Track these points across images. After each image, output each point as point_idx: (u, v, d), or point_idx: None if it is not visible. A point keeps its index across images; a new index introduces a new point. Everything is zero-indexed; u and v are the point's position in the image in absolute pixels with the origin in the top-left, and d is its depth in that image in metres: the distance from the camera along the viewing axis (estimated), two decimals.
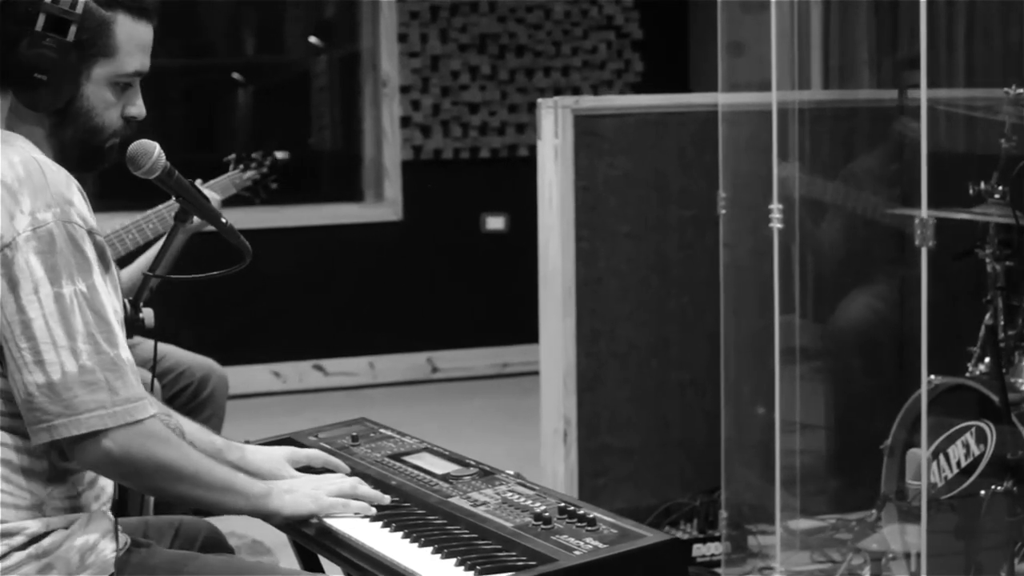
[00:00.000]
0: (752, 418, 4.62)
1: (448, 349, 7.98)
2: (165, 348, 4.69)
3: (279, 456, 2.81)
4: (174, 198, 2.79)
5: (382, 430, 3.15)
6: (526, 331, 7.86)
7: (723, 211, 4.53)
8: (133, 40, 2.56)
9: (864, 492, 4.70)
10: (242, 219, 6.24)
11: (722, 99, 4.46)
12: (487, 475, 2.71)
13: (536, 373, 7.93)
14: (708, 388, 4.97)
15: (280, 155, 4.92)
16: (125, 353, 2.40)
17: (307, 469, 2.81)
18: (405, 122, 7.83)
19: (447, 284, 7.98)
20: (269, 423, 6.96)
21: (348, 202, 7.89)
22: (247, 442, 2.98)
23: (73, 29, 2.48)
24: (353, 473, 2.80)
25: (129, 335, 2.98)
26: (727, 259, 4.53)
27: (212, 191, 4.62)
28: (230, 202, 7.28)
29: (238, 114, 8.33)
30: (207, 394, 4.64)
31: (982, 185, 4.19)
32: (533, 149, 7.76)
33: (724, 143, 4.48)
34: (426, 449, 2.94)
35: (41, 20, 2.46)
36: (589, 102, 4.89)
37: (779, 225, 4.13)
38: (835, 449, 4.99)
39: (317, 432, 3.14)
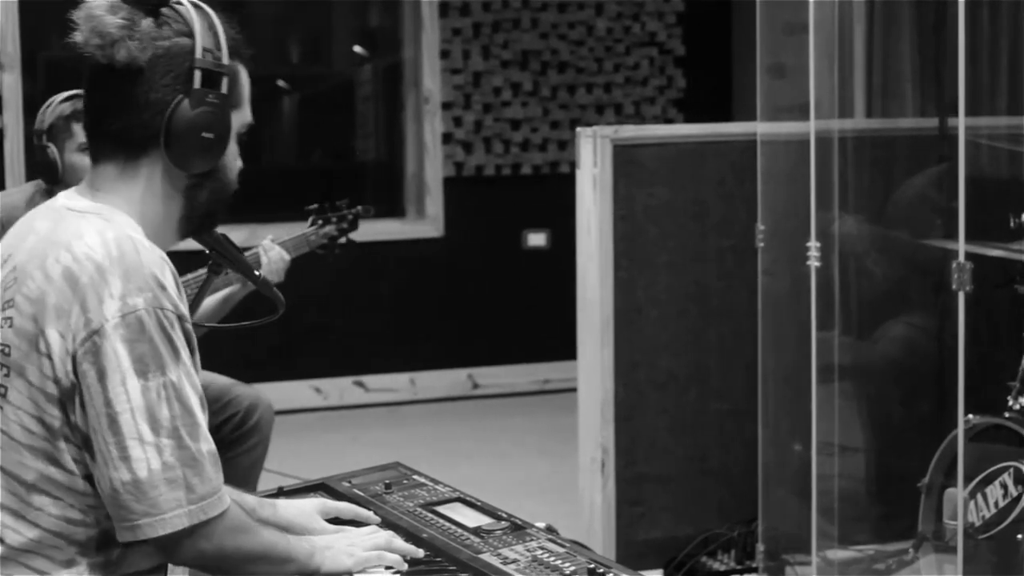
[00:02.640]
0: (790, 447, 4.58)
1: (489, 366, 7.94)
2: (210, 377, 4.64)
3: (310, 509, 2.79)
4: (207, 251, 2.77)
5: (415, 476, 3.13)
6: (567, 348, 7.79)
7: (761, 244, 4.49)
8: (246, 88, 2.49)
9: (901, 523, 4.66)
10: (281, 235, 6.22)
11: (761, 128, 4.43)
12: (518, 530, 2.69)
13: (577, 390, 8.08)
14: (746, 418, 4.93)
15: (363, 209, 4.74)
16: (207, 446, 2.34)
17: (337, 520, 2.80)
18: (447, 138, 7.79)
19: (488, 301, 7.94)
20: (310, 440, 7.06)
21: (390, 218, 7.85)
22: (280, 490, 2.98)
23: (225, 82, 2.38)
24: (385, 524, 2.79)
25: None
26: (765, 291, 4.50)
27: (284, 249, 4.52)
28: (264, 217, 7.39)
29: (282, 123, 8.31)
30: (253, 423, 4.60)
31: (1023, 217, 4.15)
32: (575, 166, 7.87)
33: (763, 174, 4.44)
34: (459, 499, 2.92)
35: (198, 77, 2.36)
36: (628, 132, 4.85)
37: (816, 264, 4.09)
38: (872, 477, 4.95)
39: (351, 478, 3.13)
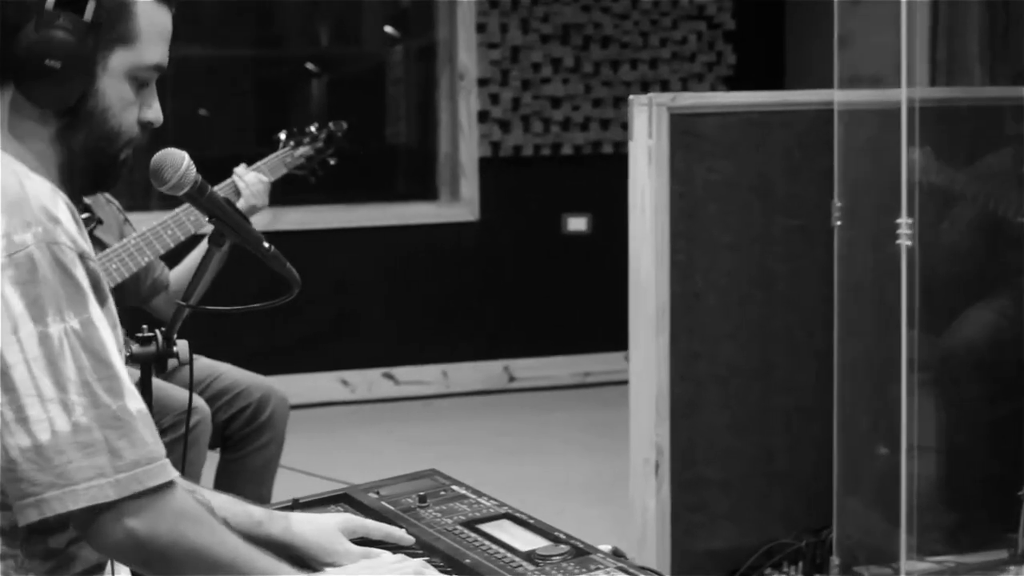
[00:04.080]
0: (869, 449, 4.15)
1: (526, 357, 7.64)
2: (219, 367, 4.30)
3: (332, 527, 2.34)
4: (208, 219, 2.34)
5: (455, 487, 2.70)
6: (609, 339, 7.60)
7: (838, 222, 4.06)
8: (155, 27, 2.11)
9: (988, 531, 4.26)
10: (306, 219, 5.83)
11: (839, 96, 3.98)
12: (581, 555, 2.25)
13: (620, 383, 7.66)
14: (816, 415, 4.53)
15: (335, 126, 4.58)
16: (133, 403, 1.94)
17: (363, 540, 2.36)
18: (483, 117, 7.47)
19: (526, 288, 7.64)
20: (335, 436, 6.72)
21: (422, 201, 7.51)
22: (295, 502, 2.54)
23: (91, 7, 2.03)
24: (419, 545, 2.35)
25: (161, 372, 2.58)
26: (842, 275, 4.06)
27: (259, 172, 4.30)
28: (289, 199, 7.13)
29: (311, 106, 8.01)
30: (265, 418, 4.23)
31: None
32: (618, 146, 7.65)
33: (840, 146, 4.00)
34: (507, 515, 2.48)
35: None
36: (687, 99, 4.42)
37: (908, 243, 3.64)
38: (955, 481, 4.53)
39: (378, 487, 2.69)
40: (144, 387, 2.53)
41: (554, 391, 7.60)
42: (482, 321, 7.58)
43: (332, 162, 4.56)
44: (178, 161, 2.31)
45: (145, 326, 2.58)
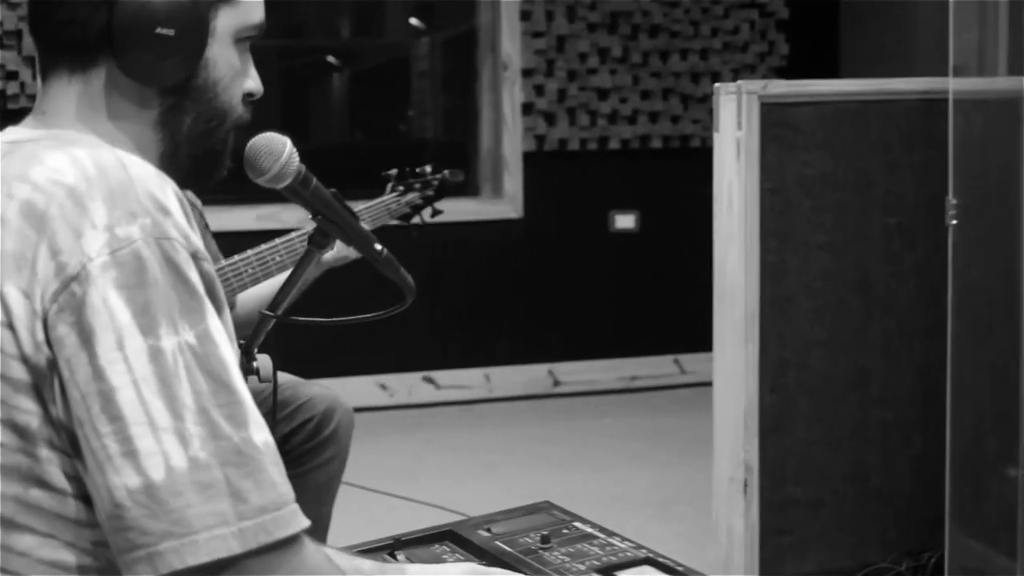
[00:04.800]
0: (987, 470, 3.80)
1: (571, 361, 7.38)
2: (282, 377, 3.91)
3: None
4: (311, 216, 2.00)
5: (577, 524, 2.35)
6: (658, 341, 7.43)
7: (954, 221, 3.72)
8: None
9: None
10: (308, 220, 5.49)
11: (955, 85, 3.64)
12: None
13: (669, 388, 7.47)
14: (915, 430, 4.23)
15: (452, 174, 4.08)
16: (259, 435, 1.59)
17: None
18: (527, 109, 7.18)
19: (571, 288, 7.37)
20: (376, 442, 6.42)
21: (463, 197, 7.19)
22: (396, 543, 2.21)
23: None
24: None
25: None
26: (959, 279, 3.72)
27: (363, 220, 3.83)
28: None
29: (333, 100, 7.88)
30: (330, 431, 3.88)
31: None
32: (667, 140, 7.40)
33: (956, 137, 3.66)
34: (648, 560, 2.14)
35: None
36: (779, 87, 4.07)
37: None
38: None
39: (490, 524, 2.35)
40: None
41: (600, 396, 7.35)
42: (525, 323, 7.33)
43: (434, 215, 4.06)
44: (279, 148, 1.98)
45: None
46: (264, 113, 6.65)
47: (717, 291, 4.15)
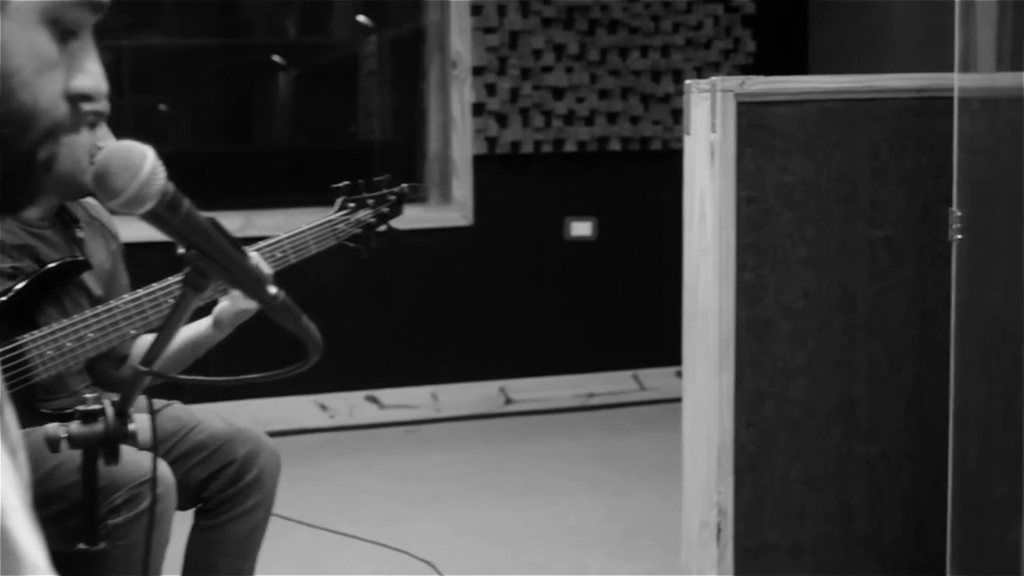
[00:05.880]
0: (996, 516, 3.41)
1: (524, 377, 7.04)
2: (195, 415, 3.50)
3: None
4: (181, 251, 1.55)
5: None
6: (616, 356, 7.11)
7: (959, 236, 3.31)
8: None
9: None
10: (281, 223, 5.07)
11: (961, 81, 3.22)
12: None
13: (627, 406, 7.10)
14: (906, 465, 3.85)
15: (410, 189, 3.64)
16: None
17: None
18: (478, 110, 6.86)
19: (524, 300, 7.05)
20: (314, 467, 6.00)
21: (409, 203, 6.79)
22: None
23: None
24: None
25: (111, 460, 1.80)
26: (963, 299, 3.32)
27: (296, 245, 3.39)
28: (261, 202, 6.55)
29: (277, 101, 7.61)
30: (252, 477, 3.44)
31: None
32: (626, 142, 6.99)
33: (961, 142, 3.25)
34: None
35: None
36: (758, 84, 3.65)
37: None
38: None
39: None
40: (87, 477, 1.76)
41: (555, 414, 6.99)
42: (475, 337, 7.00)
43: (385, 229, 3.65)
44: (136, 161, 1.52)
45: (89, 395, 1.81)
46: (205, 115, 6.27)
47: (687, 313, 3.74)
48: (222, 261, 1.61)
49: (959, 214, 3.34)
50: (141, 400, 1.95)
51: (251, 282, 1.64)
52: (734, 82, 3.61)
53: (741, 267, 3.66)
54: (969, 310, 3.50)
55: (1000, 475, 3.56)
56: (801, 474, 3.81)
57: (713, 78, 3.62)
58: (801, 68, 7.11)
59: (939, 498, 3.70)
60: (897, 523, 3.86)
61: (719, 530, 3.71)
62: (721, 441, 3.70)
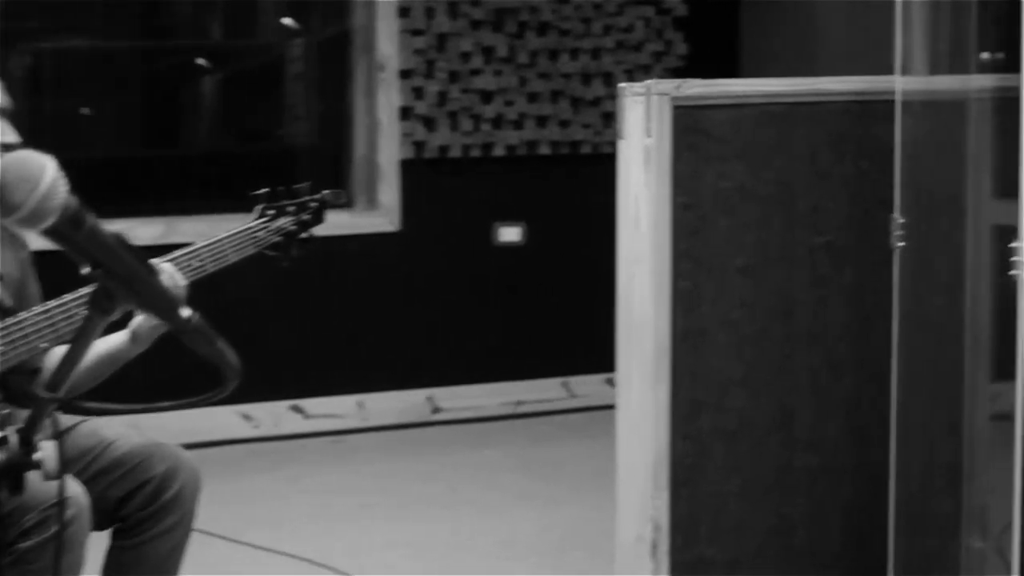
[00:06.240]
0: (935, 524, 3.35)
1: (452, 385, 6.94)
2: (111, 430, 3.37)
3: None
4: (86, 270, 1.43)
5: None
6: (545, 363, 7.02)
7: (901, 243, 3.24)
8: None
9: None
10: (203, 229, 4.94)
11: (903, 84, 3.15)
12: None
13: (555, 413, 7.02)
14: (846, 477, 3.78)
15: (332, 196, 3.57)
16: None
17: None
18: (405, 113, 6.75)
19: (451, 307, 6.97)
20: (237, 480, 5.90)
21: (330, 210, 6.71)
22: None
23: None
24: None
25: (15, 491, 1.68)
26: (903, 306, 3.25)
27: (216, 253, 3.29)
28: (184, 207, 6.44)
29: (202, 105, 7.45)
30: (171, 495, 3.33)
31: None
32: (556, 146, 6.89)
33: (902, 146, 3.18)
34: None
35: None
36: (695, 88, 3.57)
37: None
38: None
39: None
40: None
41: (483, 423, 6.88)
42: (402, 345, 6.91)
43: (307, 236, 3.58)
44: (35, 173, 1.39)
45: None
46: (127, 119, 6.16)
47: (622, 322, 3.66)
48: (129, 281, 1.49)
49: (901, 221, 3.26)
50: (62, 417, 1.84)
51: (161, 304, 1.52)
52: (670, 85, 3.53)
53: (677, 275, 3.58)
54: (910, 318, 3.43)
55: (942, 486, 3.51)
56: (739, 487, 3.74)
57: (648, 81, 3.54)
58: (733, 71, 7.07)
59: (880, 509, 3.65)
60: (837, 535, 3.80)
61: (654, 545, 3.62)
62: (657, 454, 3.62)
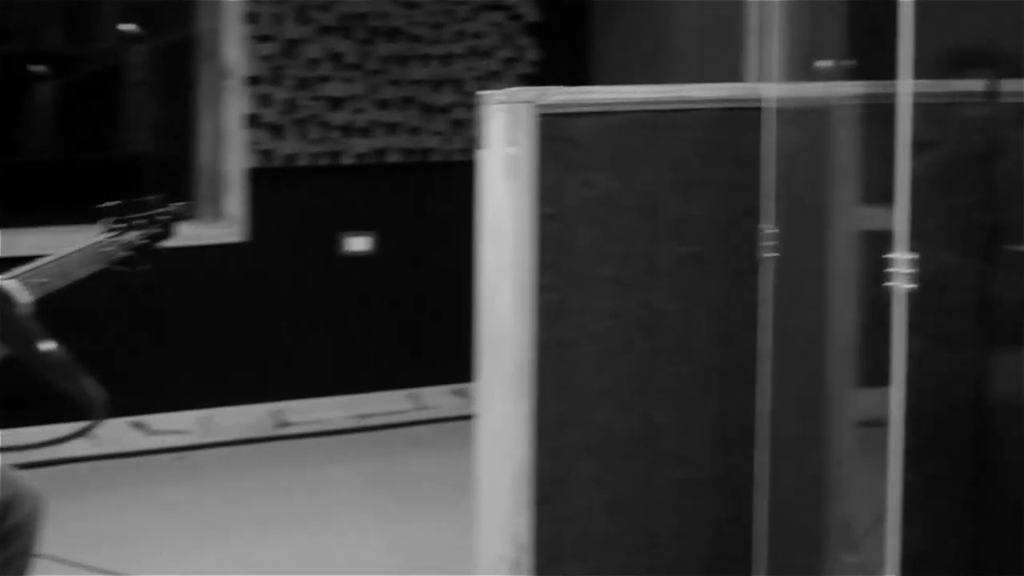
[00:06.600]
0: (804, 538, 3.30)
1: (299, 399, 6.80)
2: None
3: None
4: None
5: None
6: (392, 375, 6.90)
7: (770, 254, 3.19)
8: None
9: None
10: (45, 242, 4.78)
11: (774, 91, 3.09)
12: None
13: (406, 425, 6.91)
14: (714, 490, 3.72)
15: (184, 207, 3.44)
16: None
17: None
18: (252, 121, 6.61)
19: (299, 319, 6.83)
20: (77, 500, 5.74)
21: (179, 223, 6.54)
22: None
23: None
24: None
25: None
26: (769, 317, 3.20)
27: (72, 265, 3.11)
28: (24, 219, 6.23)
29: (41, 113, 7.25)
30: (12, 524, 3.20)
31: None
32: (408, 154, 6.77)
33: (770, 154, 3.13)
34: None
35: None
36: (559, 96, 3.48)
37: (910, 285, 2.75)
38: None
39: None
40: None
41: (331, 436, 6.76)
42: (248, 358, 6.76)
43: (155, 250, 3.46)
44: None
45: None
46: None
47: (484, 335, 3.57)
48: None
49: (769, 231, 3.21)
50: None
51: (18, 336, 1.39)
52: (534, 93, 3.44)
53: (542, 287, 3.49)
54: (777, 329, 3.38)
55: (810, 497, 3.46)
56: (604, 502, 3.67)
57: (513, 89, 3.46)
58: (584, 77, 7.02)
59: (747, 523, 3.60)
60: (704, 550, 3.74)
61: (517, 564, 3.53)
62: (519, 471, 3.53)
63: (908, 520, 2.96)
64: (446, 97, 6.84)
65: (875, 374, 3.13)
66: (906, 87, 2.73)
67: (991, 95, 3.44)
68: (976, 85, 3.50)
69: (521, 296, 3.46)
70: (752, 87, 3.39)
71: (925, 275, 2.73)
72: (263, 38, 6.57)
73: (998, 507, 3.54)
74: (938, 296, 3.01)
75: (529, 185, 3.44)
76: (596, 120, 3.51)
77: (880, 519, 3.09)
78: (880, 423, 3.03)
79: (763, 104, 3.25)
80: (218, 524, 5.44)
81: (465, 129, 6.71)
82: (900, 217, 2.73)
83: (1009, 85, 3.43)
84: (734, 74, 5.21)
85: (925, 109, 2.80)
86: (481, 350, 3.58)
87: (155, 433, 6.48)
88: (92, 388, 1.57)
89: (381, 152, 6.81)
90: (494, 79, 6.89)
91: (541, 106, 3.44)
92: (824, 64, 3.37)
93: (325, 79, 6.69)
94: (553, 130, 3.45)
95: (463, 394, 6.64)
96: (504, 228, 3.46)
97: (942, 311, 3.40)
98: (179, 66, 6.84)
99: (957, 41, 3.73)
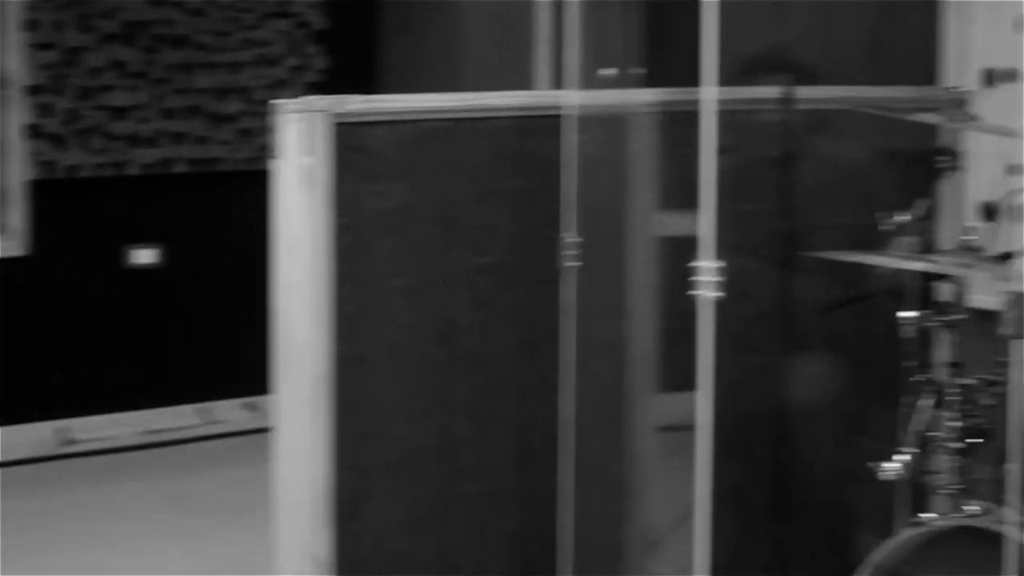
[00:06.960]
0: (609, 551, 3.31)
1: (86, 415, 6.67)
2: None
3: None
4: None
5: None
6: (181, 389, 6.79)
7: (570, 263, 3.18)
8: None
9: None
10: None
11: (570, 99, 3.07)
12: None
13: (196, 440, 6.79)
14: (511, 503, 3.72)
15: None
16: None
17: None
18: (33, 132, 6.46)
19: (84, 333, 6.72)
20: None
21: None
22: None
23: None
24: None
25: None
26: (570, 326, 3.19)
27: None
28: None
29: None
30: None
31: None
32: (195, 164, 6.66)
33: (568, 162, 3.12)
34: None
35: None
36: (356, 104, 3.44)
37: (717, 292, 2.75)
38: None
39: None
40: None
41: (120, 454, 6.64)
42: (32, 375, 6.61)
43: None
44: None
45: None
46: None
47: (280, 349, 3.52)
48: None
49: (571, 239, 3.19)
50: None
51: None
52: (329, 101, 3.39)
53: (340, 299, 3.46)
54: (578, 338, 3.37)
55: (612, 507, 3.46)
56: (402, 518, 3.65)
57: (308, 97, 3.42)
58: (372, 85, 6.97)
59: (548, 536, 3.59)
60: (503, 564, 3.73)
61: None
62: (317, 488, 3.48)
63: (715, 522, 2.98)
64: (233, 106, 6.77)
65: (676, 379, 3.15)
66: (710, 93, 2.74)
67: (786, 101, 3.47)
68: (771, 92, 3.53)
69: (317, 309, 3.42)
70: (550, 94, 3.40)
71: (727, 281, 2.75)
72: (43, 46, 6.45)
73: (800, 507, 3.59)
74: (738, 304, 3.02)
75: (325, 196, 3.39)
76: (392, 129, 3.49)
77: (682, 522, 3.10)
78: (682, 427, 3.05)
79: (562, 111, 3.24)
80: (7, 546, 5.29)
81: (253, 138, 6.64)
82: (706, 225, 2.73)
83: (803, 92, 3.46)
84: (525, 81, 5.21)
85: (722, 116, 2.80)
86: (277, 364, 3.52)
87: None
88: None
89: (167, 162, 6.72)
90: (282, 87, 6.83)
91: (337, 115, 3.40)
92: (608, 72, 3.37)
93: (108, 88, 6.59)
94: (349, 139, 3.42)
95: (254, 407, 6.56)
96: (300, 240, 3.41)
97: (742, 318, 3.42)
98: None
99: (749, 47, 3.76)
